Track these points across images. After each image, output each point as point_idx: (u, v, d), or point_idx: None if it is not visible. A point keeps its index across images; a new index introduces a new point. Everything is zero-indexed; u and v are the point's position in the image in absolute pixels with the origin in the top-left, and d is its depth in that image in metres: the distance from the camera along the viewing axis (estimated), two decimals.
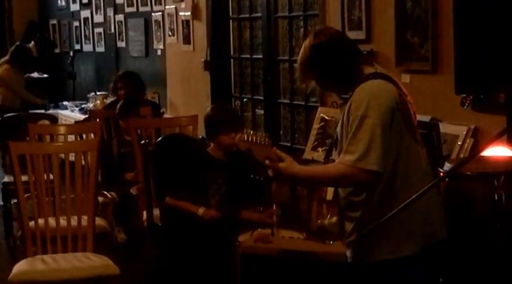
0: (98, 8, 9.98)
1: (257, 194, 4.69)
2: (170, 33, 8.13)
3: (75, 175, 4.54)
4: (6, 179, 6.51)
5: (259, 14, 6.80)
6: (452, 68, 4.29)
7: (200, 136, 5.54)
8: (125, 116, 6.02)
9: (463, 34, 4.15)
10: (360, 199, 3.04)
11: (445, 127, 4.35)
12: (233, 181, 4.61)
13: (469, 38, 4.09)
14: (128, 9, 9.15)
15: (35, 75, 10.70)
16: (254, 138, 3.09)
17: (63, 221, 4.52)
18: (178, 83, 8.10)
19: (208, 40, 7.41)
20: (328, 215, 3.17)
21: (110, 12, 9.63)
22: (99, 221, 4.90)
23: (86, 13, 10.35)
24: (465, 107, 4.21)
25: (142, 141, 5.57)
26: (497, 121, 4.05)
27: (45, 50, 10.83)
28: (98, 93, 9.20)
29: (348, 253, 3.15)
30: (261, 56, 6.82)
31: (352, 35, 5.03)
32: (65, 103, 9.82)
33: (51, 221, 4.50)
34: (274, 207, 4.40)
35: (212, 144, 4.69)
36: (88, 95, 9.45)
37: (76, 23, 10.69)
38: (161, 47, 8.39)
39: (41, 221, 4.47)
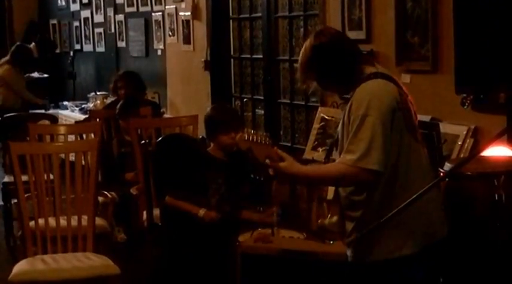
0: (98, 8, 9.98)
1: (257, 194, 4.69)
2: (170, 33, 8.13)
3: (75, 175, 4.54)
4: (7, 179, 6.50)
5: (259, 14, 6.80)
6: (452, 67, 4.29)
7: (200, 136, 5.54)
8: (125, 116, 6.02)
9: (463, 34, 4.15)
10: (360, 198, 3.04)
11: (445, 127, 4.35)
12: (233, 181, 4.61)
13: (469, 38, 4.09)
14: (128, 9, 9.15)
15: (35, 75, 10.70)
16: (255, 137, 3.09)
17: (63, 221, 4.52)
18: (179, 83, 8.10)
19: (208, 40, 7.41)
20: (329, 215, 3.17)
21: (110, 12, 9.63)
22: (99, 221, 4.90)
23: (86, 13, 10.35)
24: (465, 107, 4.22)
25: (143, 141, 5.57)
26: (497, 121, 4.05)
27: (46, 51, 10.83)
28: (98, 93, 9.20)
29: (349, 253, 3.15)
30: (261, 56, 6.82)
31: (352, 34, 5.03)
32: (65, 103, 9.82)
33: (51, 221, 4.50)
34: (274, 207, 4.41)
35: (212, 144, 4.69)
36: (88, 95, 9.45)
37: (76, 23, 10.69)
38: (161, 46, 8.39)
39: (41, 221, 4.47)
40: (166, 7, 8.15)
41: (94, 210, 4.61)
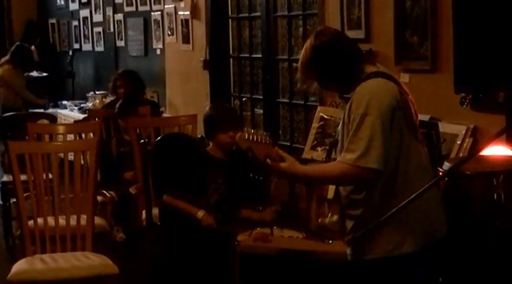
0: (97, 7, 9.97)
1: (256, 193, 4.69)
2: (169, 33, 8.13)
3: (74, 175, 4.54)
4: (5, 178, 6.50)
5: (258, 13, 6.80)
6: (451, 67, 4.29)
7: (199, 136, 5.54)
8: (124, 115, 6.02)
9: (462, 33, 4.15)
10: (360, 197, 3.05)
11: (444, 127, 4.36)
12: (232, 181, 4.61)
13: (468, 37, 4.09)
14: (127, 9, 9.14)
15: (34, 73, 10.68)
16: (255, 136, 3.09)
17: (62, 221, 4.52)
18: (178, 82, 8.10)
19: (207, 39, 7.41)
20: (329, 214, 3.17)
21: (109, 11, 9.62)
22: (98, 220, 4.90)
23: (85, 12, 10.34)
24: (464, 106, 4.22)
25: (142, 140, 5.57)
26: (496, 120, 4.05)
27: (46, 54, 10.83)
28: (97, 93, 9.20)
29: (348, 251, 3.16)
30: (260, 55, 6.82)
31: (352, 34, 5.02)
32: (64, 102, 9.82)
33: (50, 220, 4.49)
34: (273, 206, 4.41)
35: (211, 143, 4.69)
36: (87, 94, 9.45)
37: (75, 22, 10.69)
38: (160, 46, 8.39)
39: (40, 220, 4.47)
40: (166, 6, 8.15)
41: (93, 209, 4.61)
